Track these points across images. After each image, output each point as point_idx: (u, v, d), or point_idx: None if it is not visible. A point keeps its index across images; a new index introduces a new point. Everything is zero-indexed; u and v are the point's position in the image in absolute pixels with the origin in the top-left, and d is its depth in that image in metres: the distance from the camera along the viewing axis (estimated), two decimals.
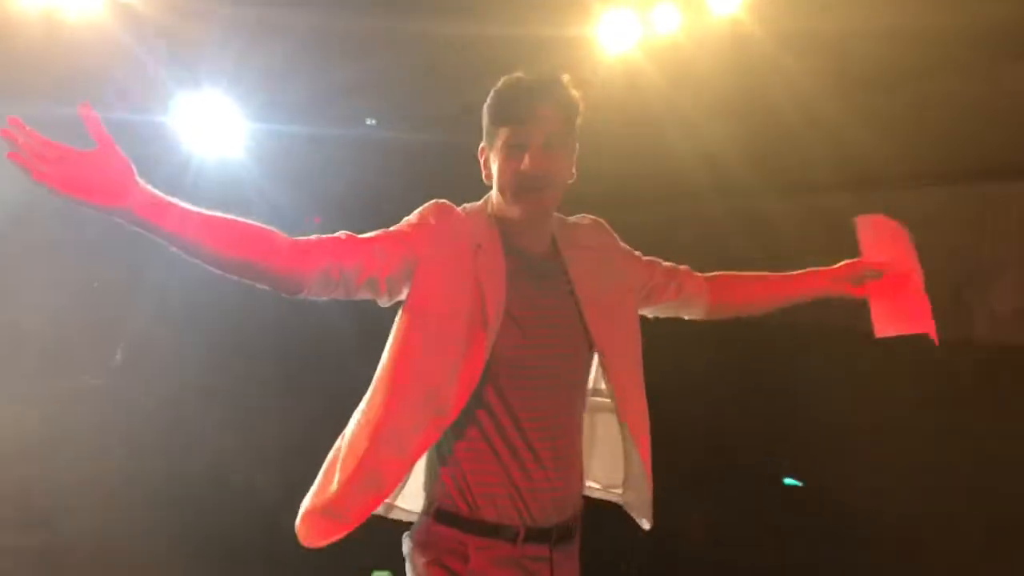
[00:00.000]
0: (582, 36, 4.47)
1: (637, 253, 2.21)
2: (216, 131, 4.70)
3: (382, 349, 1.95)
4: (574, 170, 1.96)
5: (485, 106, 1.92)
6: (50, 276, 4.58)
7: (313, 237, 1.89)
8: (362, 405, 1.96)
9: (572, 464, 2.00)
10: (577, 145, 1.96)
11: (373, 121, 4.79)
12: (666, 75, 4.55)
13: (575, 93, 1.92)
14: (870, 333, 2.21)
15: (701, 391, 5.12)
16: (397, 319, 1.95)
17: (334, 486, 1.89)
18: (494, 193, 1.94)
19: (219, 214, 1.75)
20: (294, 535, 1.92)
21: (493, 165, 1.90)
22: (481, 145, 1.94)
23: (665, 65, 4.52)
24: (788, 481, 4.80)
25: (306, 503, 1.93)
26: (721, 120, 4.58)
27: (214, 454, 4.83)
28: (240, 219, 1.78)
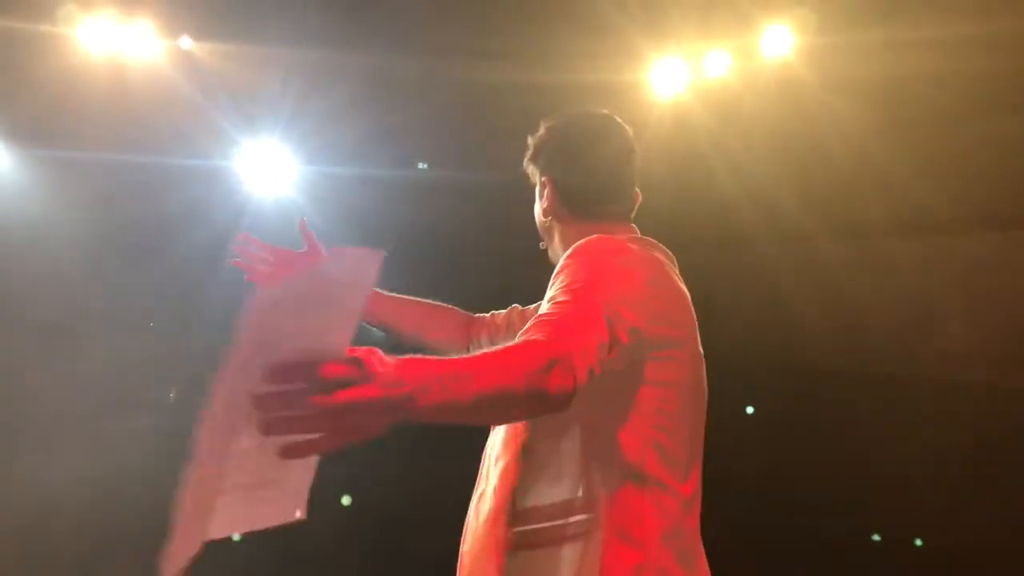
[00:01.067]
0: (634, 81, 4.49)
1: (564, 281, 1.61)
2: (272, 174, 4.78)
3: None
4: (544, 204, 1.97)
5: None
6: (112, 318, 4.65)
7: (488, 314, 2.23)
8: None
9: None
10: (543, 178, 1.99)
11: (425, 165, 4.86)
12: (716, 117, 4.55)
13: (530, 141, 2.02)
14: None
15: (749, 442, 5.02)
16: None
17: None
18: None
19: (408, 297, 2.17)
20: None
21: None
22: None
23: (714, 107, 4.53)
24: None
25: None
26: (771, 162, 4.58)
27: None
28: (424, 300, 2.21)
